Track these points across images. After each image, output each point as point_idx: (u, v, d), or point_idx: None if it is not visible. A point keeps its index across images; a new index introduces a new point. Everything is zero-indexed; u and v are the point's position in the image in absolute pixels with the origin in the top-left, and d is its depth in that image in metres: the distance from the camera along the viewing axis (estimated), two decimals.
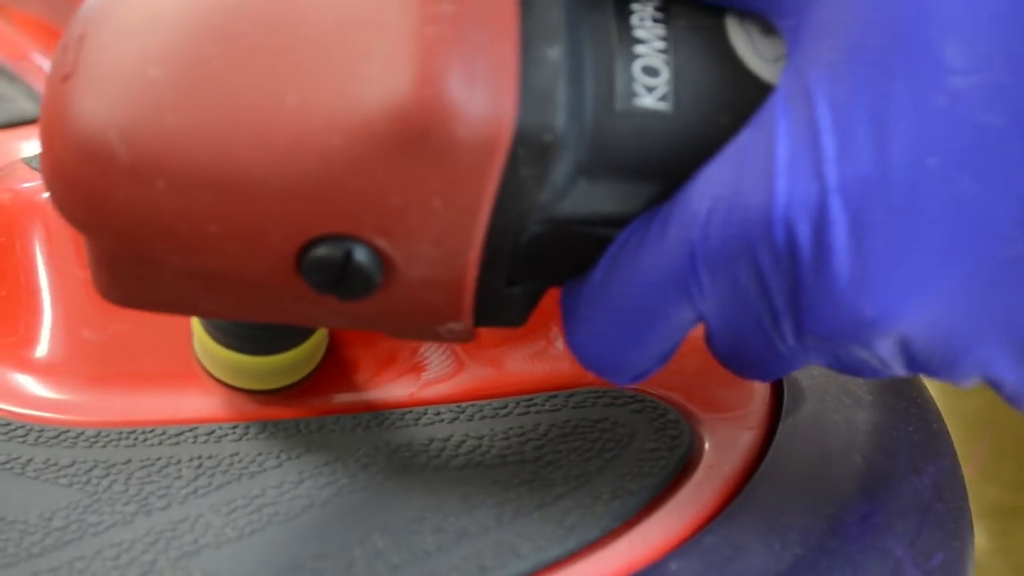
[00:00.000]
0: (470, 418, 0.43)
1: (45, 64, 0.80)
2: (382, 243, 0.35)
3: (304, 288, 0.36)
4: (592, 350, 0.37)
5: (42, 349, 0.46)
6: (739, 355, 0.37)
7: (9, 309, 0.48)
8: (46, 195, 0.49)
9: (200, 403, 0.45)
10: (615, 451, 0.41)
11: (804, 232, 0.32)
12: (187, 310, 0.39)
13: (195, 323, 0.45)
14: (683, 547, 0.38)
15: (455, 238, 0.35)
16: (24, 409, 0.45)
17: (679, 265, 0.34)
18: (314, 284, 0.35)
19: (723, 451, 0.42)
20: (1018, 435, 0.90)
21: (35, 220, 0.49)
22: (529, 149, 0.33)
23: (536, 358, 0.46)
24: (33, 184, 0.49)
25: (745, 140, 0.34)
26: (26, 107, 0.69)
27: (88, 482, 0.41)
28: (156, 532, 0.39)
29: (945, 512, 0.42)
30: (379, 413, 0.44)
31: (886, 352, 0.34)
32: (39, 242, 0.49)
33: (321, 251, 0.34)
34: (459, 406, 0.44)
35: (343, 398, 0.45)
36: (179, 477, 0.41)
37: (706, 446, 0.42)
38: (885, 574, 0.38)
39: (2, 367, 0.46)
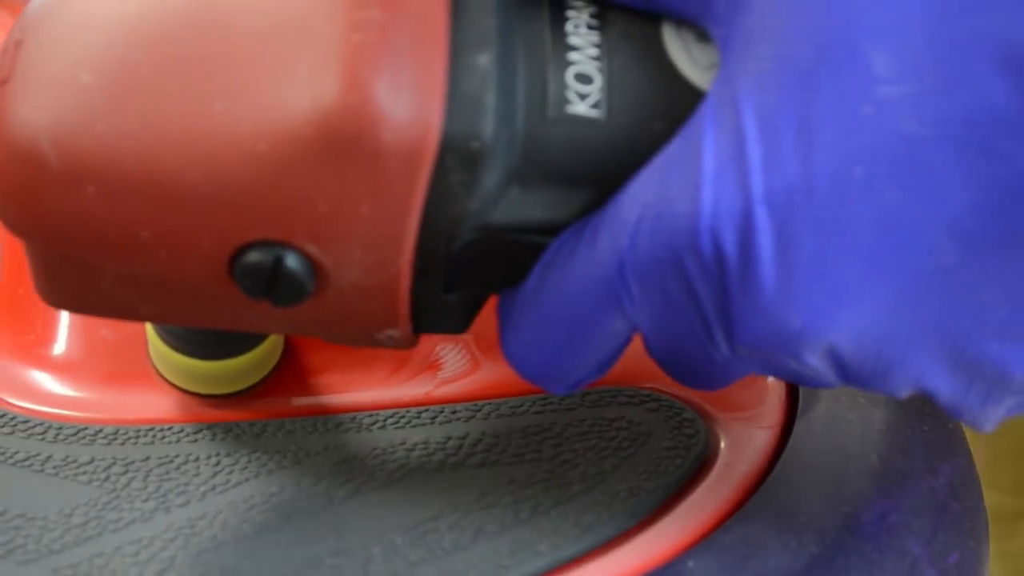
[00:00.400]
0: (486, 416, 0.43)
1: None
2: (312, 249, 0.35)
3: (239, 294, 0.36)
4: (526, 358, 0.37)
5: (59, 347, 0.47)
6: (678, 364, 0.37)
7: (26, 307, 0.48)
8: None
9: (216, 402, 0.45)
10: (631, 450, 0.41)
11: (730, 241, 0.32)
12: (127, 315, 0.38)
13: (148, 327, 0.45)
14: (700, 545, 0.38)
15: (385, 245, 0.35)
16: (42, 407, 0.45)
17: (609, 275, 0.34)
18: (247, 290, 0.35)
19: (739, 450, 0.42)
20: (1015, 440, 0.90)
21: None
22: (457, 156, 0.33)
23: None
24: None
25: (674, 149, 0.33)
26: None
27: (107, 479, 0.41)
28: (175, 528, 0.39)
29: (961, 512, 0.42)
30: (396, 411, 0.44)
31: (817, 363, 0.34)
32: None
33: (252, 257, 0.35)
34: (476, 404, 0.44)
35: (359, 396, 0.45)
36: (197, 474, 0.41)
37: (722, 445, 0.42)
38: (902, 573, 0.38)
39: (20, 365, 0.47)
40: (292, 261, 0.35)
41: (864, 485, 0.40)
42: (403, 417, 0.44)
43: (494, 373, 0.46)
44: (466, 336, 0.46)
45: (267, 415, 0.44)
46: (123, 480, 0.41)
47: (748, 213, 0.32)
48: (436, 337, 0.46)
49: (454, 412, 0.44)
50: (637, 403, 0.44)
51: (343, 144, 0.33)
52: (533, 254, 0.36)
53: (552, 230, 0.36)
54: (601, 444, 0.42)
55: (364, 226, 0.34)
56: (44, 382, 0.46)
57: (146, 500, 0.40)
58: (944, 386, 0.34)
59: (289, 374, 0.46)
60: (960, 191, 0.31)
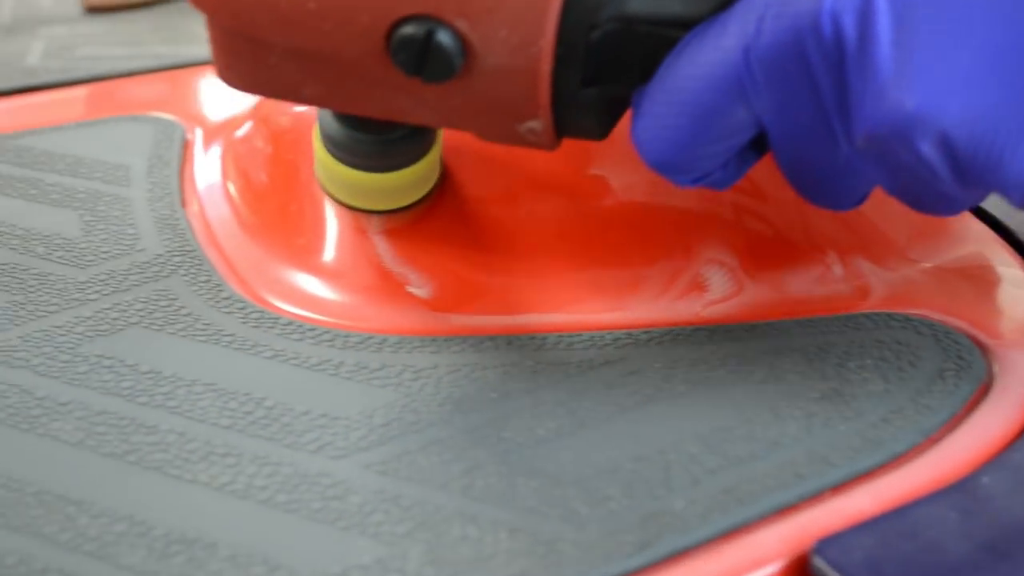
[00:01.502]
0: (763, 336, 0.44)
1: None
2: (462, 25, 0.37)
3: (393, 72, 0.39)
4: (653, 143, 0.38)
5: (329, 254, 0.48)
6: (803, 169, 0.38)
7: (296, 218, 0.50)
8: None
9: (497, 319, 0.46)
10: (908, 371, 0.42)
11: (850, 24, 0.33)
12: (293, 96, 0.41)
13: (317, 144, 0.47)
14: (992, 463, 0.39)
15: (529, 24, 0.37)
16: (320, 315, 0.47)
17: (735, 61, 0.36)
18: (401, 64, 0.38)
19: (1014, 373, 0.43)
20: None
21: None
22: None
23: (815, 282, 0.47)
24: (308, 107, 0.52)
25: None
26: None
27: (400, 384, 0.43)
28: (472, 430, 0.40)
29: None
30: (670, 329, 0.45)
31: (930, 153, 0.34)
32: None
33: (406, 30, 0.37)
34: (751, 324, 0.45)
35: (631, 315, 0.46)
36: (486, 383, 0.43)
37: (995, 368, 0.43)
38: None
39: (298, 272, 0.48)
40: (443, 36, 0.37)
41: None
42: (679, 335, 0.45)
43: (759, 295, 0.47)
44: (730, 258, 0.47)
45: (543, 329, 0.45)
46: (416, 386, 0.43)
47: None
48: (701, 257, 0.47)
49: (729, 331, 0.45)
50: (908, 328, 0.44)
51: None
52: (667, 49, 0.38)
53: (686, 25, 0.37)
54: (879, 364, 0.42)
55: (510, 4, 0.37)
56: (320, 291, 0.48)
57: (441, 404, 0.42)
58: None
59: (564, 293, 0.47)
60: None
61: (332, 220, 0.49)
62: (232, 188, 0.53)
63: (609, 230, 0.48)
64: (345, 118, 0.44)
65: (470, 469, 0.39)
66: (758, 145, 0.39)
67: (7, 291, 0.48)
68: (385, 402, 0.42)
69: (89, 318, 0.46)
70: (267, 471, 0.39)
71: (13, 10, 0.93)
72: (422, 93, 0.39)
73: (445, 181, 0.48)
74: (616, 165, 0.49)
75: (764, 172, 0.45)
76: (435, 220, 0.48)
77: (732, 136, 0.37)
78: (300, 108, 0.53)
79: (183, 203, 0.54)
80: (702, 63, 0.36)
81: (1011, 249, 0.50)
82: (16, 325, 0.46)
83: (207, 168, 0.56)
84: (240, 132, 0.56)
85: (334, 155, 0.46)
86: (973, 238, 0.50)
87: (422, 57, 0.37)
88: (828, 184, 0.38)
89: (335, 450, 0.40)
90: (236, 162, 0.54)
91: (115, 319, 0.46)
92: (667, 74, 0.37)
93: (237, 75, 0.41)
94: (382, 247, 0.48)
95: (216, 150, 0.57)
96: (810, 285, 0.47)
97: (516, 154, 0.48)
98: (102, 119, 0.62)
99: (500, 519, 0.37)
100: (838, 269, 0.47)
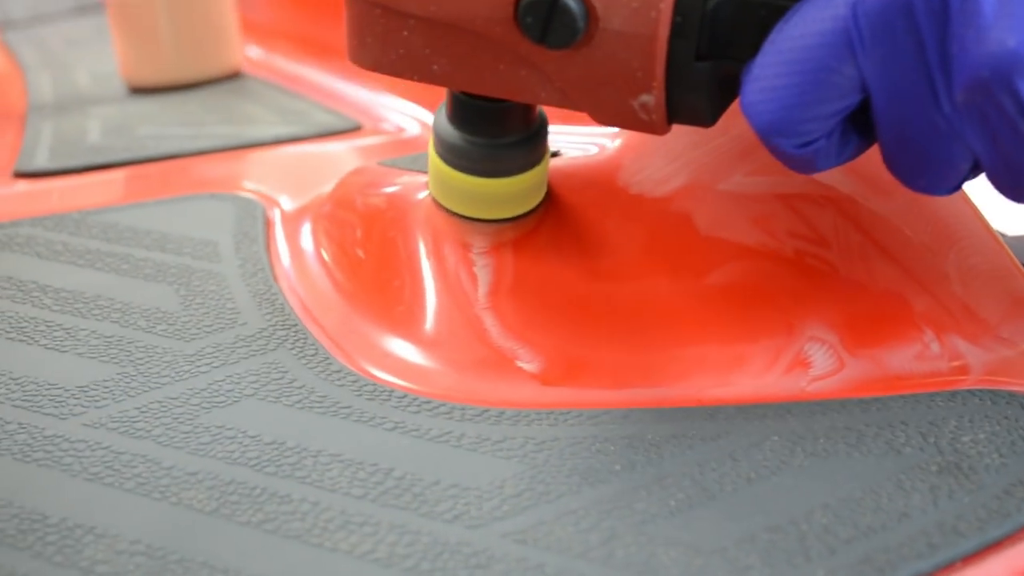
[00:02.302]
0: (879, 410, 0.45)
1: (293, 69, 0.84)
2: None
3: (519, 41, 0.42)
4: (761, 106, 0.40)
5: (428, 324, 0.49)
6: (903, 135, 0.39)
7: (392, 285, 0.51)
8: (420, 195, 0.52)
9: (606, 393, 0.47)
10: (1021, 444, 0.43)
11: None
12: (422, 74, 0.44)
13: (431, 152, 0.50)
14: None
15: None
16: (434, 390, 0.47)
17: (844, 16, 0.38)
18: (527, 28, 0.41)
19: None
20: None
21: (414, 218, 0.52)
22: None
23: (915, 360, 0.49)
24: (401, 185, 0.53)
25: None
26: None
27: (525, 456, 0.43)
28: (605, 502, 0.41)
29: None
30: (781, 404, 0.46)
31: None
32: (421, 236, 0.52)
33: None
34: (860, 400, 0.46)
35: (740, 390, 0.47)
36: (607, 455, 0.43)
37: None
38: None
39: (405, 347, 0.49)
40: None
41: None
42: (791, 410, 0.46)
43: (861, 371, 0.48)
44: (831, 336, 0.48)
45: (652, 403, 0.46)
46: (540, 457, 0.43)
47: None
48: (803, 335, 0.48)
49: (841, 406, 0.46)
50: (1014, 403, 0.45)
51: None
52: (777, 22, 0.40)
53: None
54: (992, 438, 0.44)
55: None
56: (429, 365, 0.49)
57: (568, 476, 0.42)
58: None
59: (670, 368, 0.48)
60: None
61: (440, 295, 0.50)
62: (330, 263, 0.54)
63: (711, 308, 0.49)
64: (460, 122, 0.47)
65: (608, 539, 0.39)
66: (861, 127, 0.41)
67: (116, 363, 0.49)
68: (513, 473, 0.42)
69: (203, 390, 0.47)
70: (407, 540, 0.39)
71: (54, 89, 0.94)
72: (545, 64, 0.42)
73: (551, 260, 0.49)
74: (717, 248, 0.50)
75: (864, 247, 0.46)
76: (542, 296, 0.49)
77: (839, 98, 0.39)
78: (387, 190, 0.54)
79: (275, 278, 0.55)
80: (813, 22, 0.38)
81: None
82: (130, 397, 0.46)
83: (293, 245, 0.57)
84: (328, 210, 0.57)
85: (446, 160, 0.48)
86: None
87: (548, 20, 0.40)
88: (927, 155, 0.39)
89: (471, 519, 0.40)
90: (330, 239, 0.55)
91: (229, 391, 0.47)
92: (778, 36, 0.39)
93: (369, 54, 0.45)
94: (489, 321, 0.49)
95: (304, 227, 0.58)
96: (910, 362, 0.48)
97: (621, 228, 0.49)
98: (182, 196, 0.63)
99: None
100: (935, 347, 0.48)
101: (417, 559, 0.38)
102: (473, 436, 0.44)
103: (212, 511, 0.41)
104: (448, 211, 0.49)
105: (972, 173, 0.40)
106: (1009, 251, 0.53)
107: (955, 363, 0.48)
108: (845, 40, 0.38)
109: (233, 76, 0.94)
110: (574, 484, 0.42)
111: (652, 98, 0.41)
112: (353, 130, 0.75)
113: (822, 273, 0.50)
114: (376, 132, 0.75)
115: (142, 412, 0.45)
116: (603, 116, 0.42)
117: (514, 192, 0.48)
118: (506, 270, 0.50)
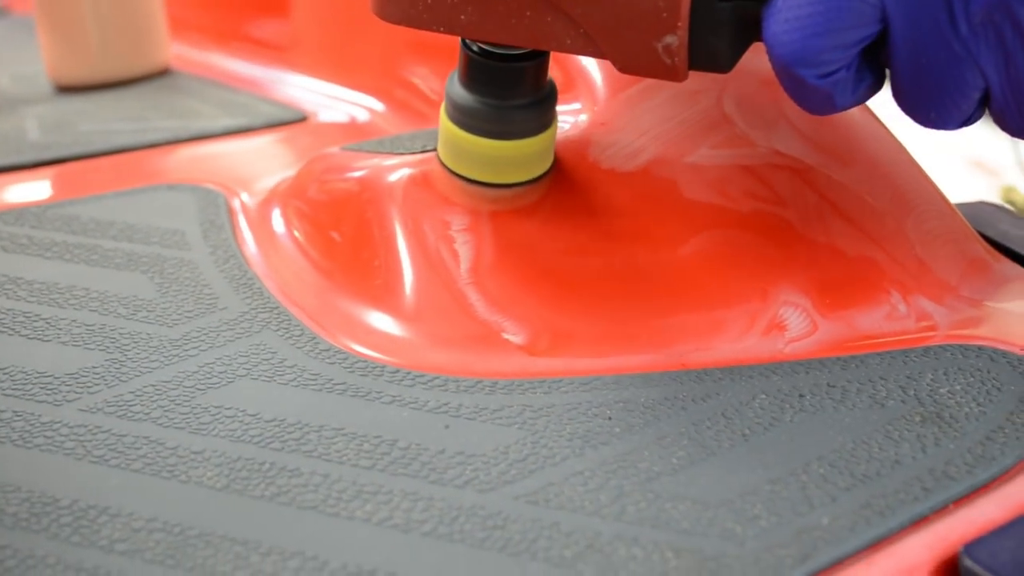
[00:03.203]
0: (853, 368, 0.47)
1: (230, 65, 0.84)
2: None
3: None
4: (783, 36, 0.41)
5: (425, 307, 0.50)
6: (918, 61, 0.41)
7: (370, 263, 0.52)
8: (393, 177, 0.53)
9: (593, 361, 0.48)
10: (995, 394, 0.45)
11: None
12: (448, 24, 0.46)
13: (442, 117, 0.51)
14: None
15: None
16: (425, 364, 0.48)
17: None
18: None
19: None
20: None
21: (391, 199, 0.53)
22: None
23: (885, 319, 0.51)
24: (370, 168, 0.54)
25: None
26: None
27: (524, 423, 0.45)
28: (610, 462, 0.42)
29: None
30: (764, 365, 0.48)
31: None
32: (397, 218, 0.53)
33: None
34: (840, 358, 0.48)
35: (721, 353, 0.49)
36: (609, 418, 0.45)
37: None
38: None
39: (391, 324, 0.50)
40: None
41: None
42: (775, 370, 0.47)
43: (835, 332, 0.50)
44: (803, 300, 0.50)
45: (639, 369, 0.48)
46: (540, 424, 0.45)
47: None
48: (777, 300, 0.50)
49: (822, 364, 0.47)
50: (983, 356, 0.48)
51: None
52: None
53: None
54: (968, 389, 0.46)
55: None
56: (417, 342, 0.50)
57: (570, 440, 0.44)
58: None
59: (651, 336, 0.49)
60: None
61: (423, 272, 0.51)
62: (306, 245, 0.55)
63: (688, 277, 0.50)
64: (472, 84, 0.49)
65: (617, 497, 0.40)
66: (874, 66, 0.42)
67: (103, 350, 0.49)
68: (515, 439, 0.43)
69: (195, 372, 0.47)
70: (421, 506, 0.40)
71: None
72: (572, 8, 0.43)
73: (529, 234, 0.50)
74: (689, 218, 0.51)
75: (826, 211, 0.48)
76: (522, 269, 0.50)
77: (862, 26, 0.40)
78: (358, 174, 0.55)
79: (248, 264, 0.55)
80: None
81: None
82: (122, 382, 0.47)
83: (262, 231, 0.58)
84: (298, 195, 0.58)
85: (457, 122, 0.50)
86: (1013, 275, 0.54)
87: None
88: (941, 82, 0.41)
89: (481, 484, 0.41)
90: (303, 222, 0.56)
91: (222, 372, 0.47)
92: None
93: (396, 8, 0.46)
94: (474, 296, 0.50)
95: (274, 212, 0.58)
96: (880, 323, 0.50)
97: (595, 202, 0.50)
98: (141, 188, 0.63)
99: (661, 540, 0.39)
100: (903, 307, 0.50)
101: (434, 523, 0.39)
102: (471, 406, 0.45)
103: (224, 487, 0.41)
104: (458, 176, 0.50)
105: (979, 110, 0.42)
106: (962, 216, 0.56)
107: (923, 322, 0.50)
108: None
109: (162, 73, 0.94)
110: (576, 447, 0.43)
111: (676, 39, 0.42)
112: (300, 120, 0.75)
113: (791, 240, 0.51)
114: (326, 121, 0.75)
115: (137, 396, 0.46)
116: (626, 61, 0.43)
117: (523, 155, 0.49)
118: (486, 246, 0.51)
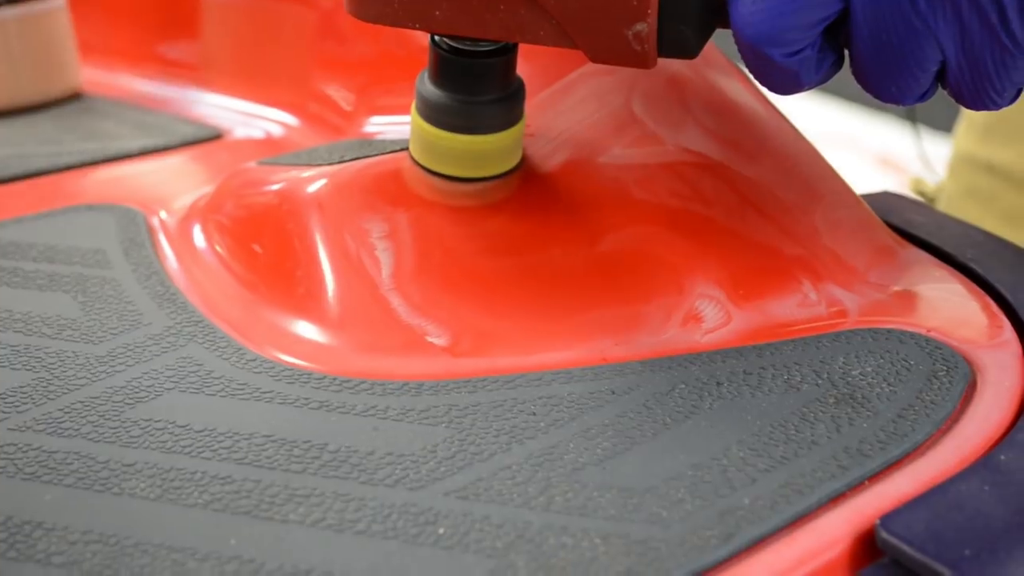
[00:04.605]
0: (772, 354, 0.49)
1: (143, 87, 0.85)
2: None
3: None
4: (753, 17, 0.43)
5: (348, 313, 0.51)
6: (878, 35, 0.42)
7: (291, 271, 0.52)
8: (312, 188, 0.54)
9: (515, 359, 0.50)
10: (905, 374, 0.47)
11: None
12: (423, 20, 0.47)
13: (413, 115, 0.53)
14: (1003, 443, 0.44)
15: None
16: (352, 369, 0.49)
17: None
18: None
19: (992, 368, 0.48)
20: None
21: (311, 209, 0.54)
22: None
23: (796, 307, 0.52)
24: (288, 181, 0.55)
25: None
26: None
27: (451, 422, 0.46)
28: (536, 456, 0.43)
29: None
30: (682, 356, 0.49)
31: None
32: (318, 228, 0.53)
33: None
34: (755, 346, 0.49)
35: (639, 347, 0.50)
36: (534, 414, 0.46)
37: (980, 366, 0.48)
38: None
39: (315, 332, 0.51)
40: None
41: None
42: (692, 361, 0.49)
43: (749, 321, 0.52)
44: (717, 292, 0.52)
45: (561, 365, 0.49)
46: (466, 421, 0.46)
47: None
48: (693, 293, 0.51)
49: (738, 353, 0.49)
50: (892, 339, 0.49)
51: None
52: None
53: None
54: (879, 370, 0.47)
55: None
56: (343, 348, 0.50)
57: (496, 436, 0.45)
58: None
59: (572, 333, 0.50)
60: None
61: (345, 280, 0.51)
62: (228, 259, 0.55)
63: (606, 273, 0.52)
64: (442, 81, 0.50)
65: (545, 488, 0.42)
66: (834, 45, 0.44)
67: (29, 370, 0.49)
68: (443, 437, 0.44)
69: (123, 387, 0.48)
70: (354, 506, 0.41)
71: None
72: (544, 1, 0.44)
73: (448, 239, 0.51)
74: (605, 216, 0.53)
75: (741, 205, 0.50)
76: (443, 273, 0.51)
77: (823, 5, 0.42)
78: (276, 187, 0.55)
79: (170, 279, 0.56)
80: None
81: (949, 268, 0.56)
82: (50, 399, 0.47)
83: (182, 247, 0.58)
84: (217, 209, 0.58)
85: (427, 118, 0.51)
86: (917, 261, 0.56)
87: None
88: (900, 56, 0.42)
89: (411, 482, 0.42)
90: (224, 236, 0.56)
91: (150, 386, 0.48)
92: None
93: (372, 6, 0.47)
94: (396, 301, 0.51)
95: (195, 228, 0.59)
96: (792, 310, 0.52)
97: (511, 204, 0.52)
98: (59, 209, 0.63)
99: (589, 527, 0.40)
100: (813, 295, 0.52)
101: (368, 522, 0.40)
102: (397, 408, 0.46)
103: (157, 497, 0.42)
104: (429, 171, 0.52)
105: (934, 85, 0.43)
106: (867, 205, 0.57)
107: (833, 308, 0.52)
108: None
109: (75, 97, 0.94)
110: (503, 443, 0.44)
111: (646, 27, 0.43)
112: (215, 138, 0.76)
113: (705, 234, 0.53)
114: (241, 137, 0.76)
115: (66, 413, 0.46)
116: (598, 50, 0.45)
117: (493, 149, 0.51)
118: (407, 251, 0.52)
